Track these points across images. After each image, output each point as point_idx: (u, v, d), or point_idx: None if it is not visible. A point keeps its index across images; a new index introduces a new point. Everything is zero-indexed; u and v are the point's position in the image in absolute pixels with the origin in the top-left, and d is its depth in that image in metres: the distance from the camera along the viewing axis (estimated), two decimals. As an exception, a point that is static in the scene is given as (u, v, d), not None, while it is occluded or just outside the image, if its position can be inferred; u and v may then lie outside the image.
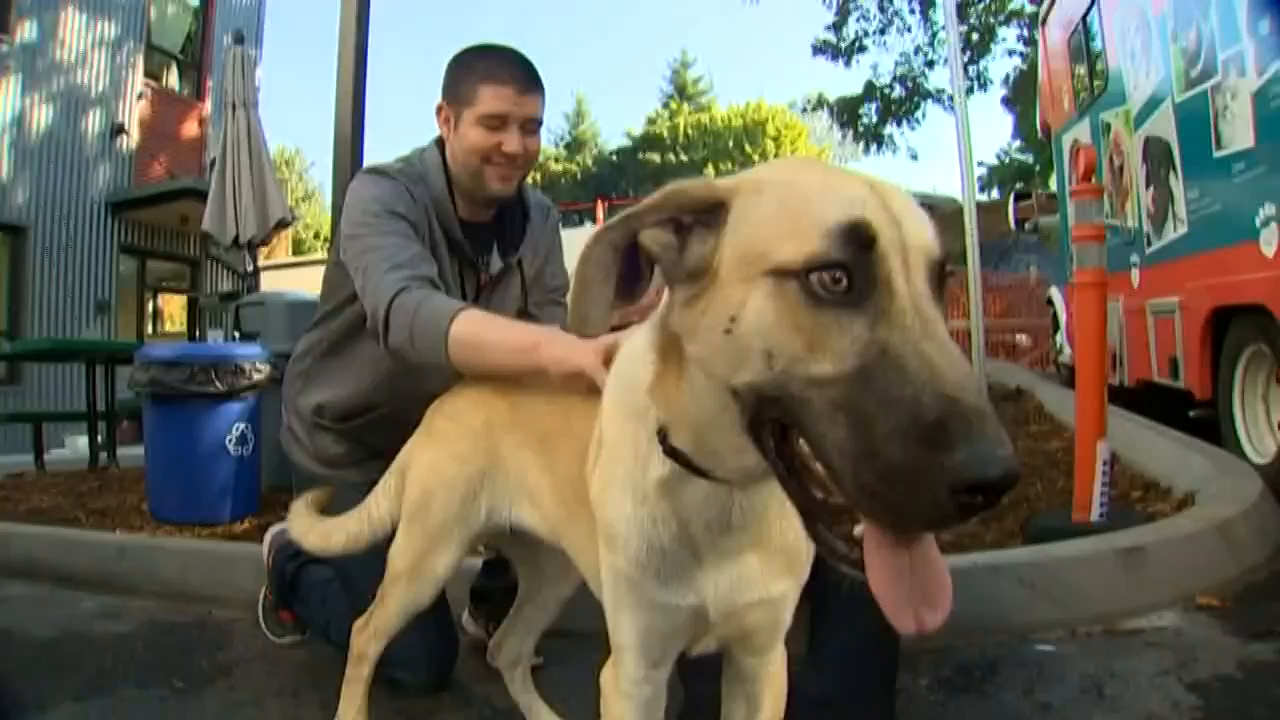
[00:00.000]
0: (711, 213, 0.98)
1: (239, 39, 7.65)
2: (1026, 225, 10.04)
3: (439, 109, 2.34)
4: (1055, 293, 9.10)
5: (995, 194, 28.72)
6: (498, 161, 2.25)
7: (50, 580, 3.70)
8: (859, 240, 0.88)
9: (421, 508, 1.85)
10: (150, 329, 16.05)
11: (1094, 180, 3.73)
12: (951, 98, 23.04)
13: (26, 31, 13.48)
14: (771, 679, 1.38)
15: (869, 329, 0.85)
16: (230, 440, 4.39)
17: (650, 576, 1.23)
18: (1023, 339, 15.08)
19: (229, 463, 4.40)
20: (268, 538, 2.91)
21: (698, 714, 1.60)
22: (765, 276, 0.90)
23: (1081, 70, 7.62)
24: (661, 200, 1.00)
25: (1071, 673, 2.37)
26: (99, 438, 6.79)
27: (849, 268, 0.87)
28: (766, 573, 1.24)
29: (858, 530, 0.91)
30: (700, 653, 1.34)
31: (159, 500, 4.47)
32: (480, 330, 1.89)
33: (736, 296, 0.92)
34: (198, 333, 13.78)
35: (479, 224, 2.40)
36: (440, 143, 2.37)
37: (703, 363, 0.99)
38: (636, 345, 1.16)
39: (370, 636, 1.95)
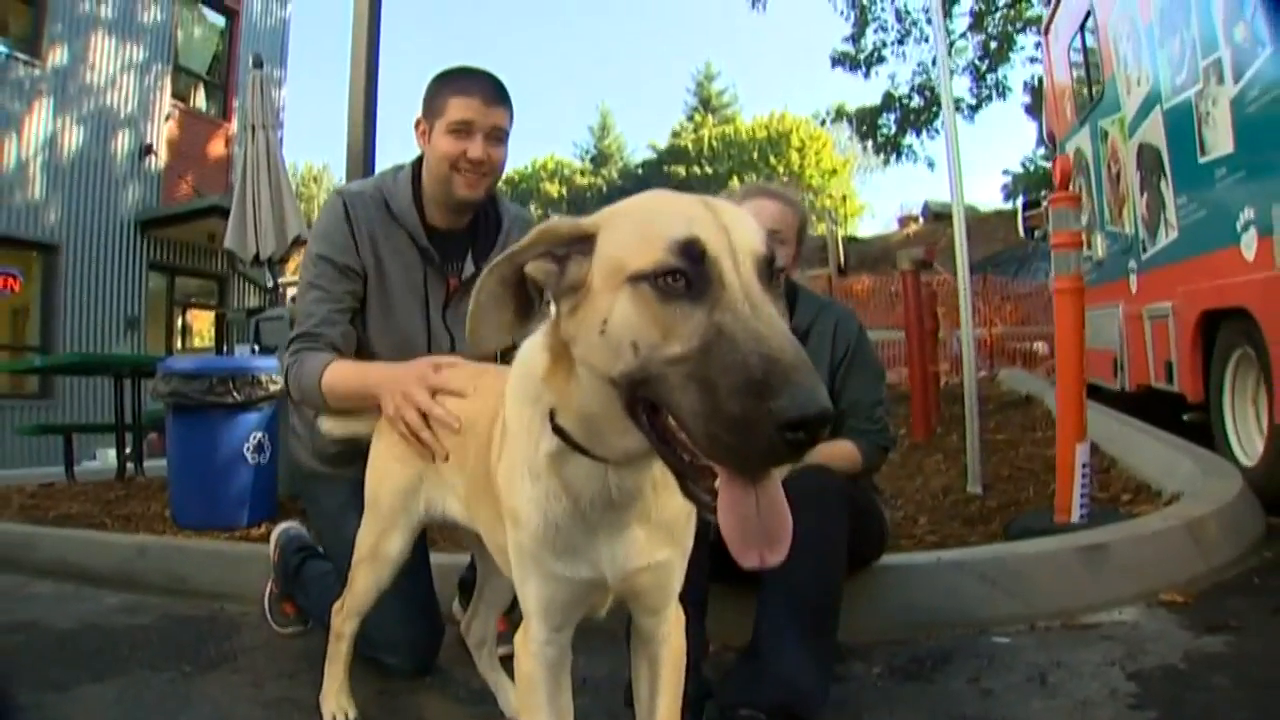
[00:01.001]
0: (583, 243, 1.19)
1: (258, 63, 7.85)
2: (1036, 233, 10.08)
3: (417, 123, 2.56)
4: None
5: (1021, 202, 28.54)
6: (464, 168, 2.46)
7: (75, 579, 3.89)
8: (692, 249, 1.09)
9: (374, 501, 2.13)
10: (180, 344, 16.35)
11: (1070, 189, 3.85)
12: (972, 106, 23.17)
13: (58, 56, 13.89)
14: (669, 638, 1.56)
15: (708, 315, 1.05)
16: (248, 449, 4.58)
17: (549, 551, 1.41)
18: (1040, 346, 15.08)
19: (247, 470, 4.58)
20: (275, 534, 3.12)
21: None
22: (626, 283, 1.11)
23: (1081, 78, 7.71)
24: (537, 238, 1.23)
25: (1020, 663, 2.46)
26: (126, 449, 7.02)
27: (686, 271, 1.08)
28: (651, 542, 1.42)
29: (718, 484, 1.08)
30: (602, 613, 1.52)
31: (180, 507, 4.65)
32: (333, 380, 2.33)
33: (605, 303, 1.13)
34: (225, 347, 14.03)
35: (453, 232, 2.60)
36: (419, 160, 2.58)
37: (586, 361, 1.18)
38: (534, 344, 1.35)
39: (345, 616, 2.19)
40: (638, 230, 1.14)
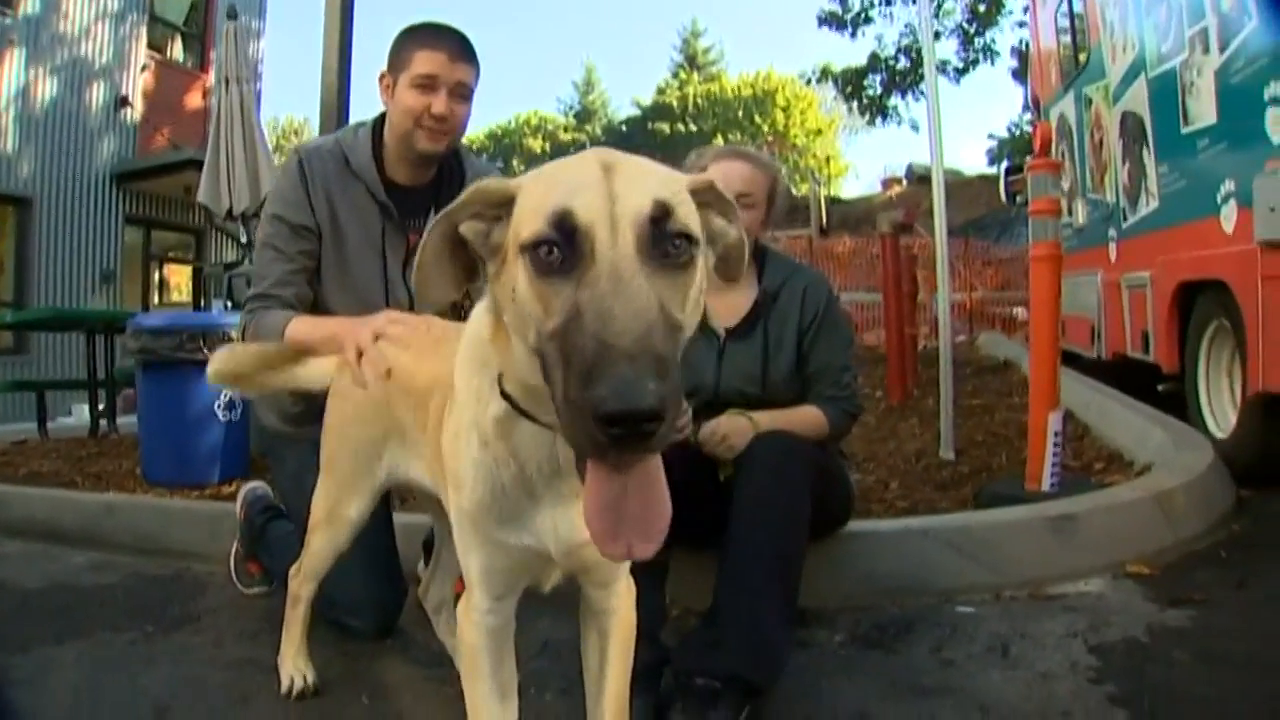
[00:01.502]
0: (508, 205, 1.15)
1: (232, 14, 7.73)
2: (1018, 198, 10.05)
3: (381, 77, 2.53)
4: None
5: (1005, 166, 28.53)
6: (427, 124, 2.44)
7: (44, 538, 3.86)
8: (565, 220, 1.03)
9: (330, 462, 2.10)
10: (156, 299, 16.21)
11: (1049, 156, 3.82)
12: (958, 70, 23.05)
13: (30, 4, 13.61)
14: (618, 610, 1.53)
15: (574, 291, 1.01)
16: (219, 406, 4.53)
17: (491, 518, 1.38)
18: (1020, 312, 15.12)
19: (218, 428, 4.54)
20: (241, 493, 3.10)
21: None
22: (519, 253, 1.08)
23: (1067, 44, 7.66)
24: (469, 197, 1.19)
25: (982, 633, 2.47)
26: (100, 405, 6.95)
27: (558, 242, 1.03)
28: None
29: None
30: (549, 586, 1.50)
31: (151, 464, 4.62)
32: (294, 334, 2.30)
33: (513, 271, 1.10)
34: (203, 302, 13.93)
35: (415, 188, 2.58)
36: (382, 116, 2.54)
37: (509, 326, 1.16)
38: (480, 309, 1.32)
39: (302, 579, 2.17)
40: (535, 199, 1.10)
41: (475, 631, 1.47)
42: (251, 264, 7.64)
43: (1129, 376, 5.77)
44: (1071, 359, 6.17)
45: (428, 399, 1.70)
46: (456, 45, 2.44)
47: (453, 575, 2.36)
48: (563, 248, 1.03)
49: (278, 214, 2.51)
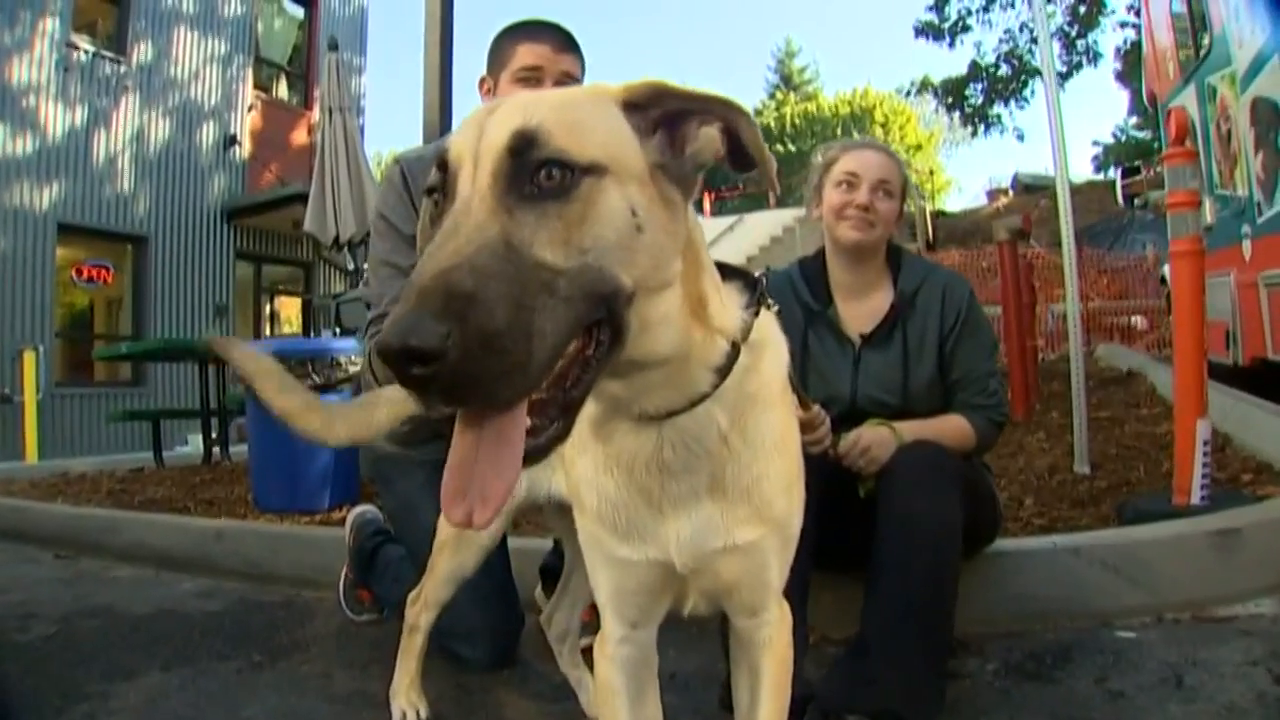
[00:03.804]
0: None
1: (333, 45, 7.88)
2: (1136, 201, 9.63)
3: (481, 81, 2.44)
4: (1169, 271, 8.73)
5: (1112, 173, 27.68)
6: None
7: (155, 564, 3.90)
8: (443, 160, 0.96)
9: None
10: (269, 330, 16.64)
11: (1186, 144, 3.56)
12: (1061, 74, 22.36)
13: (142, 53, 14.19)
14: (771, 643, 1.34)
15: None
16: (329, 430, 4.52)
17: (609, 532, 1.23)
18: (1138, 321, 14.48)
19: (327, 453, 4.51)
20: (350, 517, 3.02)
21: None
22: None
23: (1185, 35, 7.29)
24: None
25: (1150, 661, 2.25)
26: (212, 434, 7.09)
27: (438, 185, 0.97)
28: (729, 519, 1.20)
29: None
30: (695, 613, 1.32)
31: (262, 491, 4.64)
32: None
33: None
34: (311, 333, 14.25)
35: None
36: None
37: None
38: None
39: (422, 608, 2.03)
40: None
41: (610, 667, 1.32)
42: (356, 288, 7.77)
43: (1271, 382, 5.39)
44: (1204, 365, 5.82)
45: None
46: (560, 37, 2.36)
47: (581, 602, 2.22)
48: (440, 189, 0.96)
49: (389, 227, 2.42)
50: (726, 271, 1.19)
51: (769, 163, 1.07)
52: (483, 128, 0.95)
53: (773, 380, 1.22)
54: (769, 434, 1.20)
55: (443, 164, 0.96)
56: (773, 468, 1.20)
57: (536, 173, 0.92)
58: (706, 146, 1.04)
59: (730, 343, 1.11)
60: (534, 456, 0.92)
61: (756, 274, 1.23)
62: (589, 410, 1.14)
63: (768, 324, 1.22)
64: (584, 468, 1.23)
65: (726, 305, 1.13)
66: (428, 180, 0.98)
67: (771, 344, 1.23)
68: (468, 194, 0.92)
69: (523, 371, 0.84)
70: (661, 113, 1.02)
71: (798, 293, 2.39)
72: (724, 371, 1.11)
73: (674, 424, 1.12)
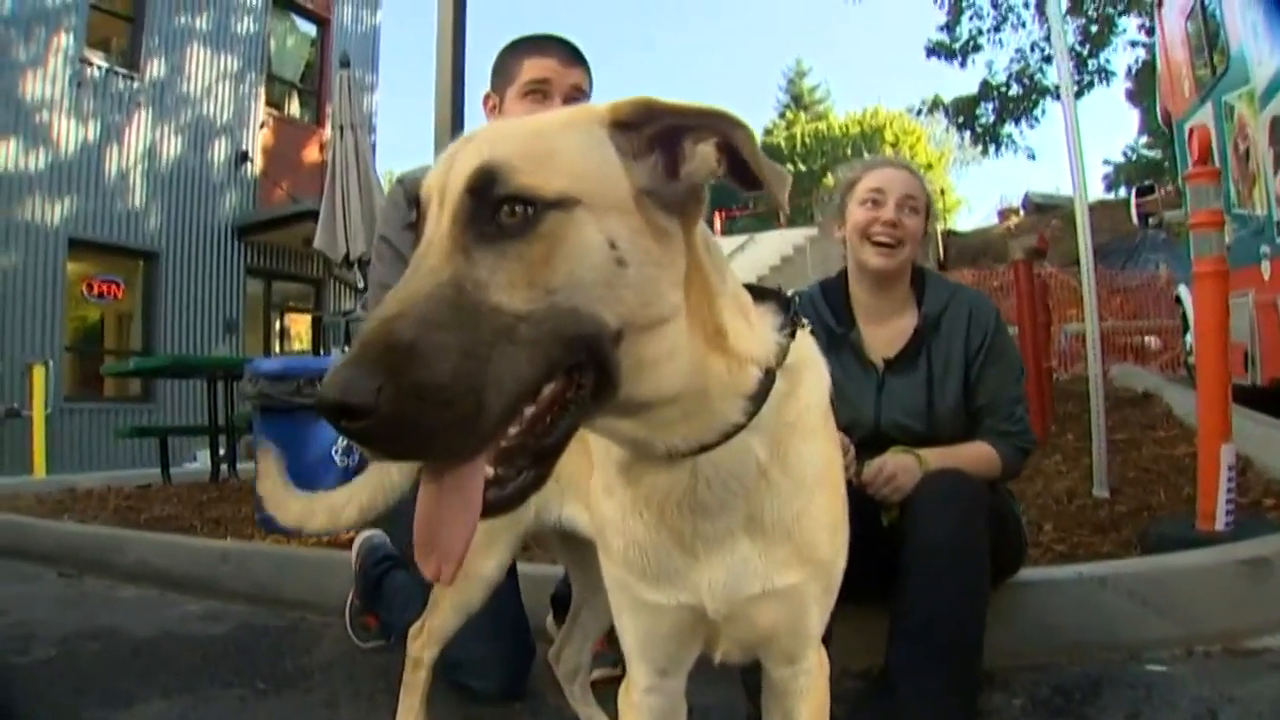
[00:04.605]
0: None
1: (344, 62, 7.86)
2: (1150, 221, 9.56)
3: (486, 98, 2.39)
4: (1184, 291, 8.64)
5: (1124, 192, 27.61)
6: None
7: (159, 584, 3.86)
8: (418, 201, 0.94)
9: None
10: (278, 347, 16.64)
11: (1210, 163, 3.50)
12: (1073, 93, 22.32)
13: (155, 69, 14.25)
14: (808, 693, 1.26)
15: None
16: (336, 451, 4.48)
17: (638, 576, 1.17)
18: (1152, 341, 14.36)
19: (335, 472, 4.46)
20: (357, 542, 2.96)
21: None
22: None
23: (1201, 53, 7.24)
24: None
25: (1183, 696, 2.17)
26: (220, 450, 7.05)
27: (416, 227, 0.94)
28: (768, 561, 1.13)
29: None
30: (727, 661, 1.25)
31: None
32: None
33: None
34: (321, 350, 14.25)
35: None
36: None
37: None
38: None
39: (425, 642, 1.94)
40: None
41: (634, 715, 1.25)
42: (365, 308, 7.74)
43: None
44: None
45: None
46: (567, 50, 2.32)
47: (591, 638, 2.15)
48: (417, 229, 0.93)
49: (389, 249, 2.39)
50: (757, 293, 1.12)
51: (774, 178, 1.00)
52: (453, 162, 0.91)
53: (813, 406, 1.15)
54: (811, 465, 1.13)
55: (416, 199, 0.94)
56: (815, 503, 1.13)
57: (497, 210, 0.87)
58: (702, 165, 0.97)
59: (764, 369, 1.05)
60: (500, 507, 0.88)
61: (789, 293, 1.16)
62: (616, 454, 1.09)
63: (805, 346, 1.16)
64: (610, 510, 1.17)
65: (756, 329, 1.06)
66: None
67: (810, 367, 1.17)
68: (430, 234, 0.89)
69: (470, 425, 0.80)
70: (655, 131, 0.96)
71: (819, 315, 2.32)
72: (759, 399, 1.04)
73: (709, 459, 1.05)
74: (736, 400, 1.03)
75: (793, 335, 1.11)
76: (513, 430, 0.86)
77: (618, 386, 0.91)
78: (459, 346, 0.80)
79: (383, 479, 2.02)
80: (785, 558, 1.14)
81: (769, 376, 1.06)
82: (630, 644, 1.23)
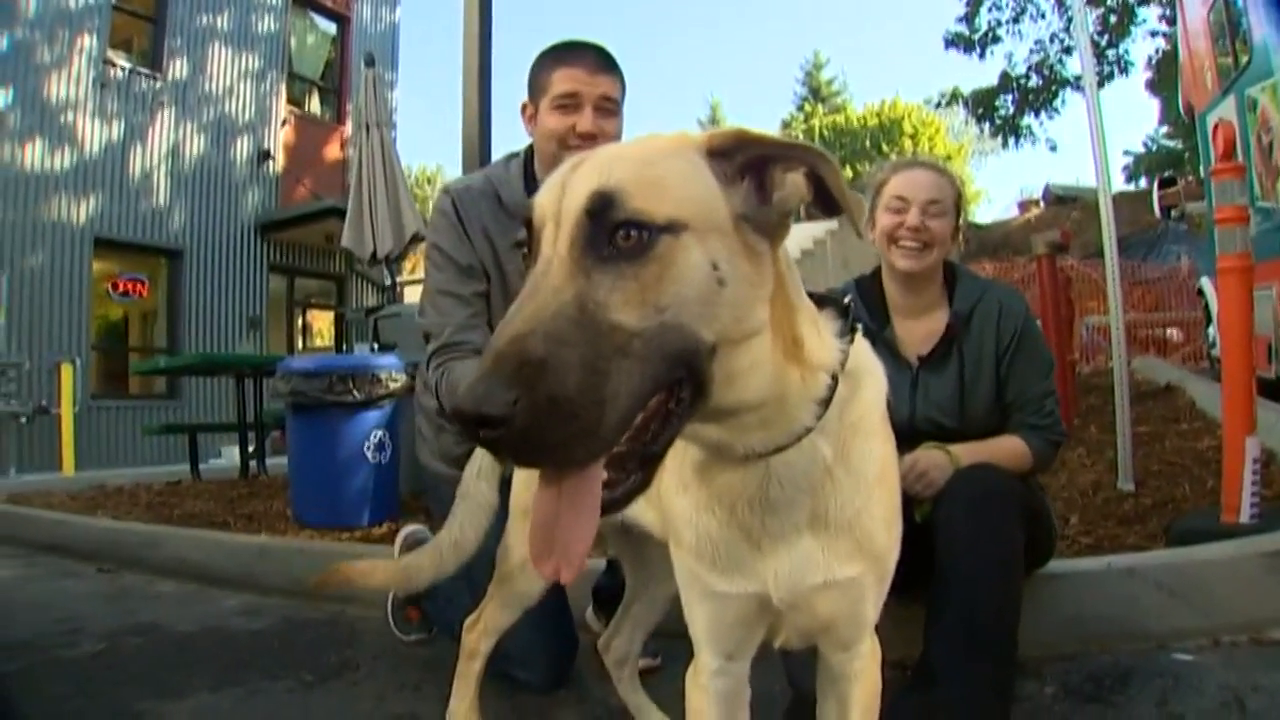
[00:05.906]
0: None
1: (369, 61, 7.90)
2: (1173, 213, 9.49)
3: (524, 108, 2.43)
4: (1206, 283, 8.59)
5: (1143, 183, 27.35)
6: (574, 144, 2.28)
7: (197, 579, 3.92)
8: (530, 220, 1.00)
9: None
10: (301, 344, 16.78)
11: (1234, 158, 3.52)
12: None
13: (177, 69, 14.40)
14: (861, 676, 1.35)
15: None
16: (369, 447, 4.54)
17: (708, 567, 1.24)
18: (1174, 333, 14.29)
19: (368, 469, 4.54)
20: (400, 536, 3.02)
21: (803, 711, 1.57)
22: None
23: (1224, 44, 7.20)
24: None
25: (1210, 685, 2.21)
26: (249, 447, 7.13)
27: (525, 243, 1.02)
28: (830, 554, 1.21)
29: None
30: (787, 647, 1.32)
31: (301, 505, 4.65)
32: None
33: None
34: (344, 346, 14.34)
35: None
36: (531, 148, 2.44)
37: None
38: None
39: (481, 633, 2.01)
40: None
41: (704, 697, 1.32)
42: (393, 304, 7.79)
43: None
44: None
45: None
46: (594, 58, 2.34)
47: (642, 631, 2.21)
48: (530, 249, 1.00)
49: (444, 258, 2.41)
50: (816, 299, 1.19)
51: (856, 206, 1.06)
52: (565, 186, 0.97)
53: (873, 408, 1.23)
54: (871, 465, 1.21)
55: (528, 221, 1.00)
56: (874, 500, 1.20)
57: (614, 234, 0.94)
58: (793, 193, 1.03)
59: (831, 374, 1.12)
60: (612, 509, 0.95)
61: (846, 300, 1.22)
62: (692, 454, 1.16)
63: (864, 351, 1.23)
64: (683, 507, 1.24)
65: (824, 338, 1.13)
66: (516, 235, 1.00)
67: (870, 372, 1.24)
68: (548, 255, 0.94)
69: (593, 434, 0.87)
70: (745, 159, 1.02)
71: (855, 313, 2.36)
72: (826, 403, 1.11)
73: (781, 459, 1.12)
74: (809, 405, 1.10)
75: (851, 340, 1.17)
76: (624, 437, 0.92)
77: (708, 398, 0.98)
78: (583, 362, 0.86)
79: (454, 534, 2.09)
80: (846, 551, 1.21)
81: (834, 381, 1.12)
82: (699, 630, 1.30)
